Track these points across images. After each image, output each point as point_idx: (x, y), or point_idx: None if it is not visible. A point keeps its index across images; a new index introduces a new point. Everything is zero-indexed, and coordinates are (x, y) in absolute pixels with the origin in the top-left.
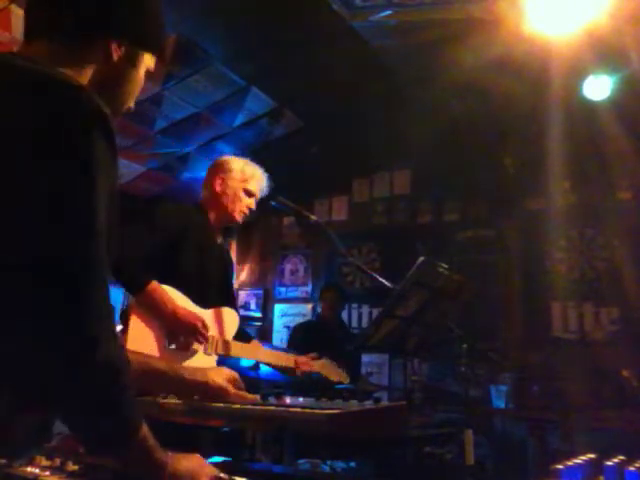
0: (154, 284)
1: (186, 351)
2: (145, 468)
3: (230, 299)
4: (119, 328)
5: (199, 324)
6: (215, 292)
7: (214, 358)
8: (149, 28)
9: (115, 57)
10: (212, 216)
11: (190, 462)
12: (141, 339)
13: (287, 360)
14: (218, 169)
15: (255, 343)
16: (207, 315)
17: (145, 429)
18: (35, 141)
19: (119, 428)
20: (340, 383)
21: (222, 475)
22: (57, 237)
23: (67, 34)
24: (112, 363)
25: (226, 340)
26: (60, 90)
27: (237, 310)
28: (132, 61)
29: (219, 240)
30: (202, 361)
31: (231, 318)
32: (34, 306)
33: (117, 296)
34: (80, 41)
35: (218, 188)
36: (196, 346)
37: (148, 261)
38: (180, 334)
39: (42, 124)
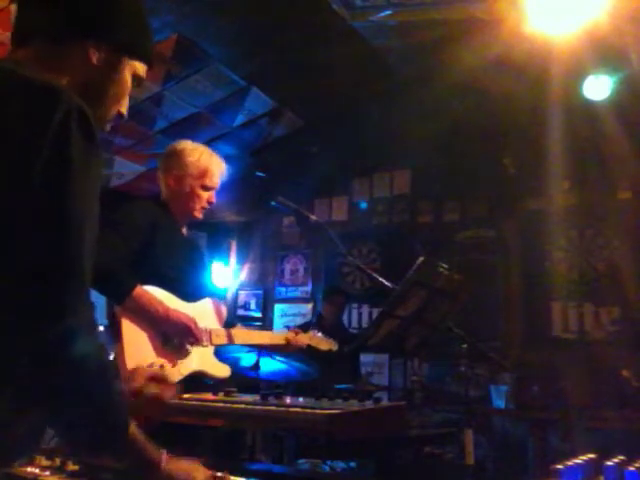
0: (139, 289)
1: (182, 349)
2: (139, 466)
3: (212, 289)
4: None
5: (192, 325)
6: (197, 285)
7: (211, 349)
8: (130, 35)
9: (94, 60)
10: (174, 211)
11: (185, 463)
12: (136, 342)
13: (278, 339)
14: (172, 164)
15: (241, 327)
16: (196, 309)
17: (133, 428)
18: (15, 141)
19: (106, 426)
20: (330, 351)
21: (218, 474)
22: (33, 234)
23: (46, 38)
24: (91, 357)
25: (219, 329)
26: (39, 90)
27: (221, 298)
28: (113, 66)
29: (185, 232)
30: (199, 354)
31: (218, 308)
32: (12, 302)
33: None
34: (59, 45)
35: (173, 186)
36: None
37: (126, 265)
38: (173, 336)
39: (21, 124)
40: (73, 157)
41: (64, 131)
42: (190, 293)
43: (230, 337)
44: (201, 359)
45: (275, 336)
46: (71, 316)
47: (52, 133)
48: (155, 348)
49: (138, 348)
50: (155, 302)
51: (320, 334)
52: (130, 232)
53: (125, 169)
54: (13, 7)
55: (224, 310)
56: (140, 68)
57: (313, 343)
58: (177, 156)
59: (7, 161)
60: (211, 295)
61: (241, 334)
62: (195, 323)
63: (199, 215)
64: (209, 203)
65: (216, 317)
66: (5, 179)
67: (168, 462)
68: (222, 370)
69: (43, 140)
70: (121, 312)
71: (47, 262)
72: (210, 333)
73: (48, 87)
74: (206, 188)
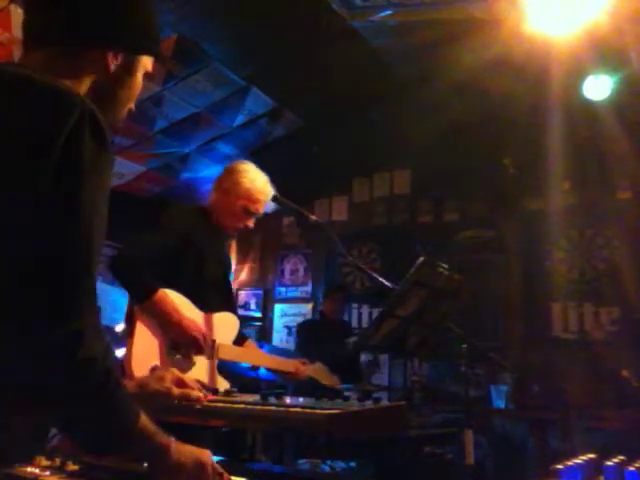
0: (160, 293)
1: (187, 359)
2: (148, 455)
3: (230, 303)
4: (121, 328)
5: (200, 337)
6: (215, 296)
7: (215, 362)
8: (144, 32)
9: (112, 67)
10: (215, 221)
11: (194, 450)
12: (146, 345)
13: (285, 365)
14: (226, 178)
15: (250, 344)
16: (208, 320)
17: (143, 417)
18: (27, 144)
19: (115, 426)
20: (332, 387)
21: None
22: (41, 237)
23: (63, 45)
24: (97, 359)
25: (228, 345)
26: (53, 96)
27: (237, 313)
28: (130, 68)
29: (221, 243)
30: (203, 366)
31: (231, 322)
32: (19, 304)
33: (122, 297)
34: (76, 52)
35: (219, 200)
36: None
37: (151, 264)
38: (181, 344)
39: (34, 128)
40: (84, 161)
41: (76, 136)
42: (208, 302)
43: (238, 355)
44: (203, 371)
45: (283, 362)
46: (76, 319)
47: (65, 138)
48: (162, 352)
49: (146, 349)
50: (171, 308)
51: (326, 368)
52: (166, 237)
53: (125, 169)
54: (13, 7)
55: (238, 325)
56: (149, 63)
57: (316, 375)
58: (233, 173)
59: (19, 164)
60: (227, 309)
61: (250, 354)
62: (204, 335)
63: (233, 233)
64: (246, 227)
65: (229, 331)
66: (16, 182)
67: (178, 447)
68: (221, 385)
69: (56, 144)
70: (138, 312)
71: (54, 265)
72: (217, 348)
73: (62, 92)
74: (248, 212)
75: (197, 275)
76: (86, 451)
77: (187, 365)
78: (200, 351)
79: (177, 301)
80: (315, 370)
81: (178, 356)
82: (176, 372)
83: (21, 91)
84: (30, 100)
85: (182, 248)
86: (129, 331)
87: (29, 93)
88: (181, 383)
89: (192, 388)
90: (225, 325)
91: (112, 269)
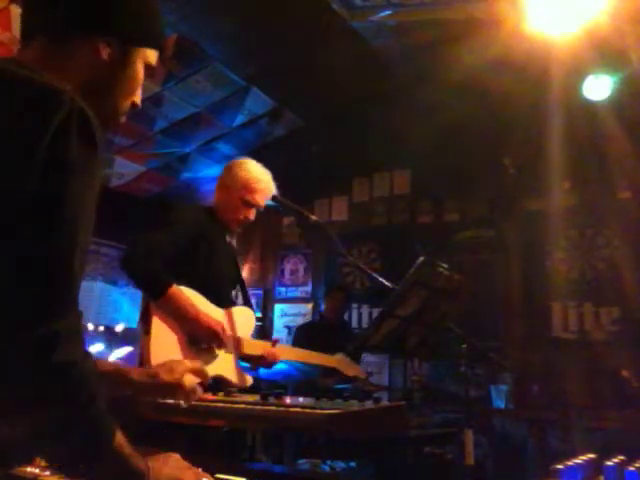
0: (174, 289)
1: (208, 353)
2: (124, 478)
3: (245, 298)
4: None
5: (219, 330)
6: (229, 291)
7: (236, 357)
8: (140, 23)
9: (105, 56)
10: (220, 218)
11: (171, 466)
12: (164, 341)
13: (319, 359)
14: (224, 174)
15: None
16: (225, 314)
17: (120, 437)
18: (14, 142)
19: (89, 438)
20: (356, 378)
21: (206, 477)
22: (25, 236)
23: (54, 36)
24: (76, 362)
25: (246, 339)
26: (40, 92)
27: (252, 307)
28: (124, 58)
29: (229, 240)
30: (226, 361)
31: (248, 316)
32: (0, 305)
33: (122, 297)
34: (67, 42)
35: (219, 195)
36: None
37: (165, 262)
38: (201, 339)
39: (21, 126)
40: (71, 160)
41: (63, 134)
42: (222, 298)
43: (262, 350)
44: (224, 365)
45: (314, 356)
46: (57, 321)
47: (51, 136)
48: (181, 348)
49: (164, 345)
50: (187, 303)
51: (348, 359)
52: (178, 235)
53: (125, 169)
54: (13, 7)
55: (254, 318)
56: (151, 56)
57: (340, 367)
58: (231, 168)
59: (4, 163)
60: (243, 303)
61: (280, 350)
62: (223, 328)
63: (235, 227)
64: (246, 219)
65: (247, 325)
66: (2, 180)
67: (154, 470)
68: (243, 379)
69: (41, 143)
70: (154, 309)
71: (37, 266)
72: (239, 341)
73: (49, 88)
74: (247, 203)
75: (209, 272)
76: (57, 465)
77: (209, 360)
78: (221, 345)
79: (192, 297)
80: (338, 361)
81: (198, 350)
82: (186, 363)
83: (6, 89)
84: (16, 98)
85: (194, 246)
86: (145, 328)
87: (14, 91)
88: (194, 372)
89: (203, 379)
90: (242, 319)
91: (125, 266)
